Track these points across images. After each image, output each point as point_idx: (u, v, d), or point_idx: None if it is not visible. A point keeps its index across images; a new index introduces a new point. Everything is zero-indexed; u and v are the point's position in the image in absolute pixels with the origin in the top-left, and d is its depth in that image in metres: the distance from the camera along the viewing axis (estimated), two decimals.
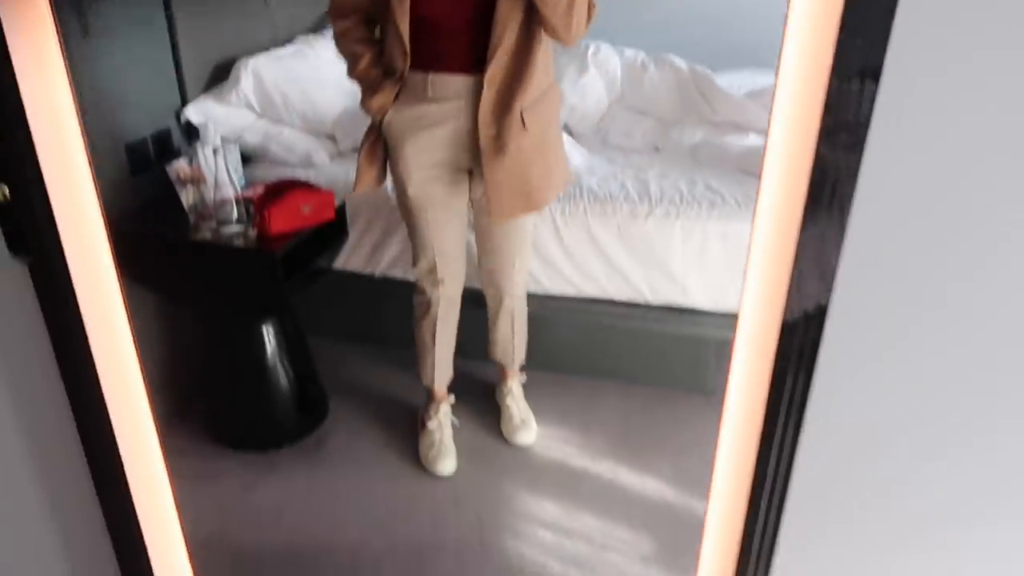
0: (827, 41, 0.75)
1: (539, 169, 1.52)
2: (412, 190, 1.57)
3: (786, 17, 0.84)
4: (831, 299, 0.97)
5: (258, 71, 2.07)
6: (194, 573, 1.09)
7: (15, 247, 0.78)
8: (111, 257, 0.79)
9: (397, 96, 1.49)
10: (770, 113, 0.91)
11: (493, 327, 1.87)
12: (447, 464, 1.82)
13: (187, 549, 1.08)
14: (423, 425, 1.87)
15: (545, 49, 1.46)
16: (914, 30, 0.81)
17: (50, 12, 0.78)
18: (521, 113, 1.45)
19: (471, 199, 1.66)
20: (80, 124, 0.74)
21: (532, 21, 1.40)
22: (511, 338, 1.87)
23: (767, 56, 3.11)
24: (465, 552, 1.73)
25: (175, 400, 1.96)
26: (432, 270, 1.68)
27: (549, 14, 1.34)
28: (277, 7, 2.33)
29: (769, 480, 1.18)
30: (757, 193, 0.84)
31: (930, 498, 1.27)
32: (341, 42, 1.51)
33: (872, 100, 0.81)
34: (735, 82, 2.37)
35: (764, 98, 2.30)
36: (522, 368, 1.97)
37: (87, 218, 0.77)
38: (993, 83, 0.86)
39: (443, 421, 1.86)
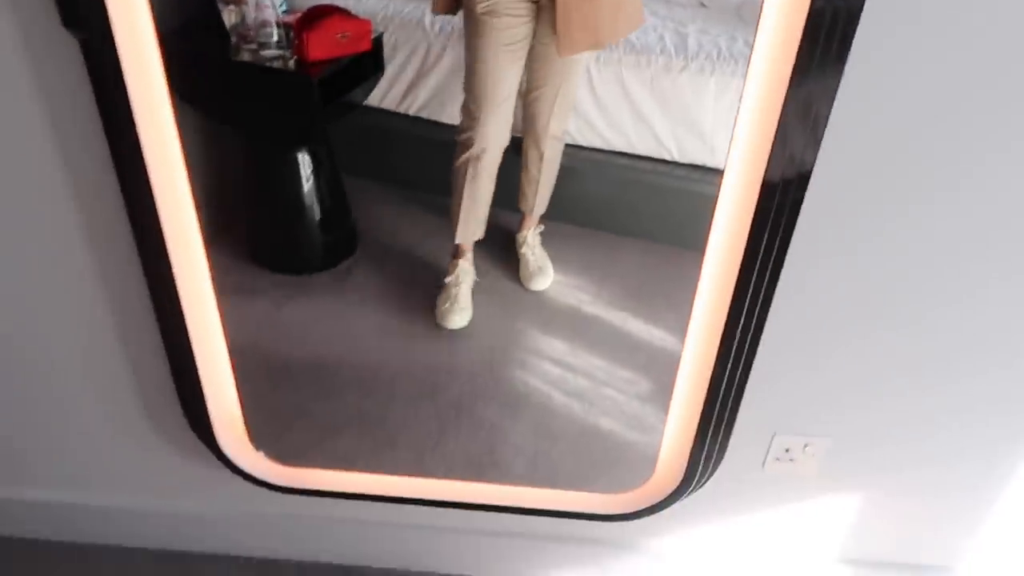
0: None
1: (610, 4, 1.54)
2: (478, 9, 1.55)
3: None
4: (817, 155, 1.00)
5: None
6: (233, 374, 1.22)
7: (69, 20, 0.84)
8: (157, 45, 0.85)
9: None
10: None
11: (524, 171, 1.90)
12: (458, 319, 1.87)
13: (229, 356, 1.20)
14: (443, 281, 1.93)
15: None
16: None
17: None
18: None
19: (536, 40, 1.65)
20: None
21: None
22: (537, 183, 1.91)
23: None
24: (476, 378, 1.88)
25: (220, 217, 2.07)
26: (479, 101, 1.68)
27: None
28: None
29: (740, 329, 1.26)
30: (753, 37, 0.86)
31: (894, 357, 1.36)
32: None
33: None
34: None
35: None
36: (541, 220, 2.02)
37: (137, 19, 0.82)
38: None
39: (461, 276, 1.91)
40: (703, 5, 2.26)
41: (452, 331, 1.88)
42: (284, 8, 1.88)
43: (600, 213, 2.22)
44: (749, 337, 1.25)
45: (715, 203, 2.09)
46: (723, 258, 1.16)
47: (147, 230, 1.02)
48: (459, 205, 1.82)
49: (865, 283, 1.26)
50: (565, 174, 2.02)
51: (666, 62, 1.88)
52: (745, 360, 1.30)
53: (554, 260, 2.08)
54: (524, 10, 1.57)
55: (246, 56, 1.73)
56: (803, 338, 1.34)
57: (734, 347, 1.24)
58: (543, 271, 2.01)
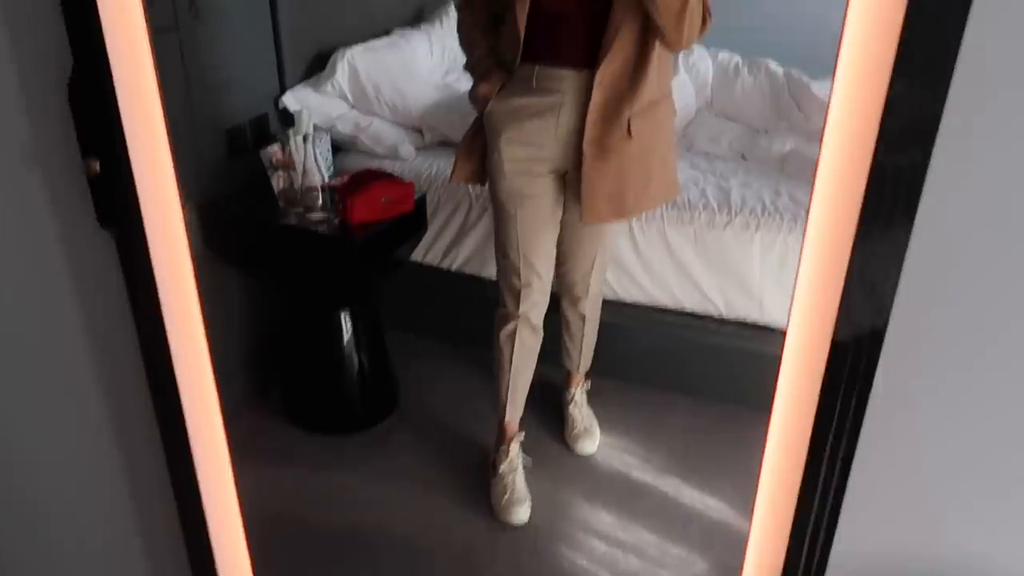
0: (890, 37, 0.72)
1: (638, 177, 1.49)
2: (505, 182, 1.53)
3: (844, 15, 0.80)
4: (889, 319, 0.92)
5: (353, 63, 2.14)
6: (249, 551, 1.15)
7: (104, 219, 0.84)
8: (186, 239, 0.84)
9: (503, 87, 1.48)
10: (826, 113, 0.88)
11: (566, 330, 1.85)
12: (521, 512, 1.71)
13: (244, 531, 1.13)
14: (494, 468, 1.77)
15: (662, 57, 1.42)
16: (990, 24, 0.76)
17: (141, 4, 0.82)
18: (629, 120, 1.42)
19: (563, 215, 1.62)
20: (163, 108, 0.79)
21: (648, 24, 1.35)
22: (580, 343, 1.85)
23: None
24: (518, 555, 1.74)
25: (257, 379, 2.05)
26: (516, 273, 1.61)
27: (658, 15, 1.29)
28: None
29: (815, 507, 1.14)
30: (810, 197, 0.81)
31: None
32: (462, 32, 1.53)
33: (942, 99, 0.76)
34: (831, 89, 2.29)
35: None
36: (588, 375, 1.95)
37: (168, 198, 0.82)
38: None
39: (515, 462, 1.76)
40: (744, 158, 2.28)
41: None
42: (332, 172, 1.93)
43: (645, 370, 2.14)
44: (827, 514, 1.12)
45: (769, 362, 2.00)
46: (790, 426, 1.06)
47: (170, 415, 0.98)
48: (503, 382, 1.71)
49: (957, 458, 1.13)
50: (608, 330, 1.97)
51: (709, 217, 1.86)
52: (823, 544, 1.16)
53: (600, 419, 1.99)
54: (548, 183, 1.55)
55: (292, 220, 1.76)
56: (885, 521, 1.21)
57: (809, 528, 1.11)
58: (590, 432, 1.91)
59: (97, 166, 0.78)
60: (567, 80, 1.42)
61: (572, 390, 1.93)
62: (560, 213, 1.60)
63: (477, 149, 1.57)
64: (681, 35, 1.31)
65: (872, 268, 0.90)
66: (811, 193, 0.95)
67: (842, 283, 0.88)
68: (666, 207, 1.90)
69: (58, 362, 1.10)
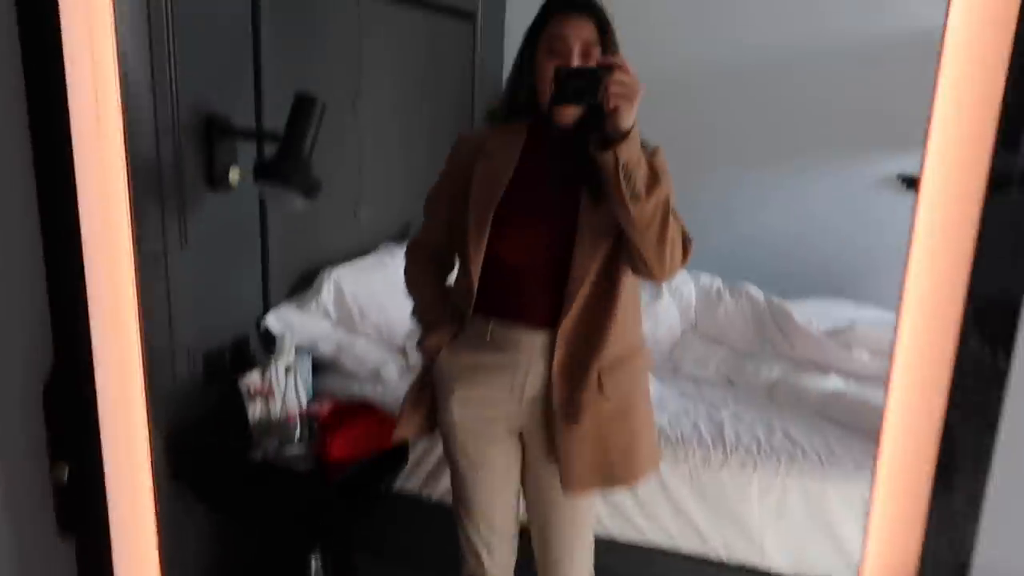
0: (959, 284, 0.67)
1: (620, 441, 1.33)
2: (457, 446, 1.40)
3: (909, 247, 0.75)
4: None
5: (339, 282, 2.12)
6: None
7: (66, 527, 0.75)
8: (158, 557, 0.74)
9: (455, 338, 1.36)
10: (889, 373, 0.81)
11: None
12: None
13: None
14: None
15: (630, 306, 1.32)
16: None
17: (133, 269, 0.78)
18: (599, 375, 1.29)
19: (527, 474, 1.43)
20: (148, 417, 0.72)
21: (616, 262, 1.26)
22: None
23: (846, 286, 3.04)
24: None
25: None
26: (477, 533, 1.45)
27: (639, 242, 1.18)
28: (364, 217, 2.43)
29: None
30: (875, 459, 0.74)
31: None
32: (408, 279, 1.47)
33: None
34: (811, 314, 2.32)
35: (844, 336, 2.23)
36: None
37: (140, 512, 0.73)
38: None
39: None
40: (731, 383, 2.25)
41: None
42: (311, 395, 1.85)
43: None
44: None
45: None
46: None
47: None
48: None
49: None
50: (602, 571, 1.83)
51: (704, 455, 1.79)
52: None
53: None
54: (507, 447, 1.39)
55: (267, 453, 1.65)
56: None
57: None
58: None
59: (66, 473, 0.70)
60: (527, 339, 1.30)
61: None
62: (517, 471, 1.43)
63: (425, 402, 1.43)
64: (663, 264, 1.21)
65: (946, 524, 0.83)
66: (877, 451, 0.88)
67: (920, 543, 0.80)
68: (661, 442, 1.83)
69: None
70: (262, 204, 1.93)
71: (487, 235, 1.27)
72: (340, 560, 1.77)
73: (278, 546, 1.75)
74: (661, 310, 2.36)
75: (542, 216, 1.29)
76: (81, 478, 0.71)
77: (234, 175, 1.79)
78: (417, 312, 1.47)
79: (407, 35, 2.57)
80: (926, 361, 0.72)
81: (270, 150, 1.74)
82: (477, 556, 1.47)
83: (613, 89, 1.12)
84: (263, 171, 1.65)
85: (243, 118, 1.83)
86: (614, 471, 1.33)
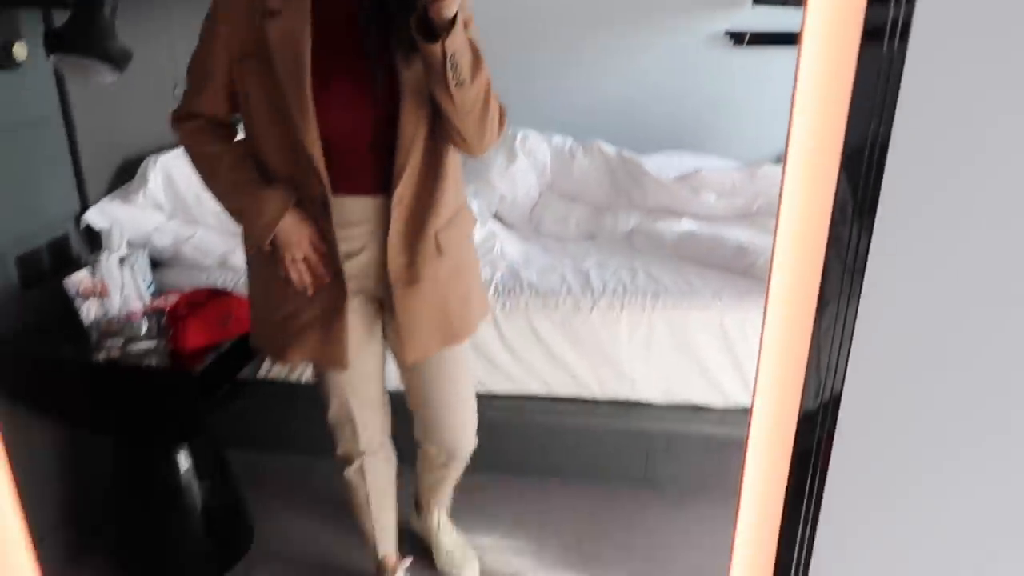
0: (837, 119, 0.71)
1: (457, 296, 1.33)
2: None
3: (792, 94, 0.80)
4: (843, 390, 0.93)
5: (167, 169, 1.92)
6: None
7: None
8: None
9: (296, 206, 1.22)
10: (779, 199, 0.87)
11: (426, 475, 1.61)
12: None
13: None
14: None
15: (455, 165, 1.29)
16: (921, 98, 0.78)
17: None
18: (436, 236, 1.26)
19: (386, 338, 1.40)
20: None
21: (438, 135, 1.22)
22: (441, 486, 1.63)
23: (687, 138, 3.13)
24: None
25: (82, 533, 1.72)
26: (345, 415, 1.41)
27: (458, 120, 1.16)
28: None
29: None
30: (767, 284, 0.79)
31: None
32: (192, 147, 1.26)
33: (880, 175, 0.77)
34: (661, 164, 2.37)
35: (691, 181, 2.30)
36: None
37: None
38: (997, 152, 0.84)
39: None
40: (593, 237, 2.29)
41: None
42: (152, 289, 1.69)
43: (523, 460, 2.03)
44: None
45: (644, 438, 1.97)
46: (759, 503, 1.01)
47: None
48: (364, 521, 1.53)
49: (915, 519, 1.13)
50: (482, 424, 1.86)
51: (574, 302, 1.82)
52: None
53: (483, 519, 1.85)
54: (356, 305, 1.30)
55: (111, 353, 1.50)
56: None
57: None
58: (467, 558, 1.71)
59: None
60: (365, 208, 1.23)
61: (435, 514, 1.70)
62: (378, 340, 1.39)
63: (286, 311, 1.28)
64: (483, 139, 1.20)
65: (827, 342, 0.91)
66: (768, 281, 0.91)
67: (805, 360, 0.88)
68: (530, 295, 1.84)
69: None
70: (60, 83, 1.68)
71: (312, 111, 1.13)
72: (210, 455, 1.68)
73: (141, 451, 1.62)
74: (517, 173, 2.33)
75: (358, 81, 1.17)
76: None
77: (20, 50, 1.54)
78: (217, 175, 1.25)
79: None
80: (807, 201, 0.76)
81: (61, 19, 1.50)
82: (351, 431, 1.43)
83: None
84: (56, 41, 1.42)
85: None
86: (453, 328, 1.33)
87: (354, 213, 1.23)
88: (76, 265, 1.61)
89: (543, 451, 2.01)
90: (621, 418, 1.91)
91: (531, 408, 1.91)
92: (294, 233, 1.21)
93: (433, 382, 1.41)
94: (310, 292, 1.25)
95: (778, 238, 0.76)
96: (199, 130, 1.24)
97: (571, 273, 1.93)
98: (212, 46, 1.19)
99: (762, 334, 0.91)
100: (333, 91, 1.15)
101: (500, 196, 2.28)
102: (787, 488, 1.01)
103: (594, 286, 1.86)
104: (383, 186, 1.21)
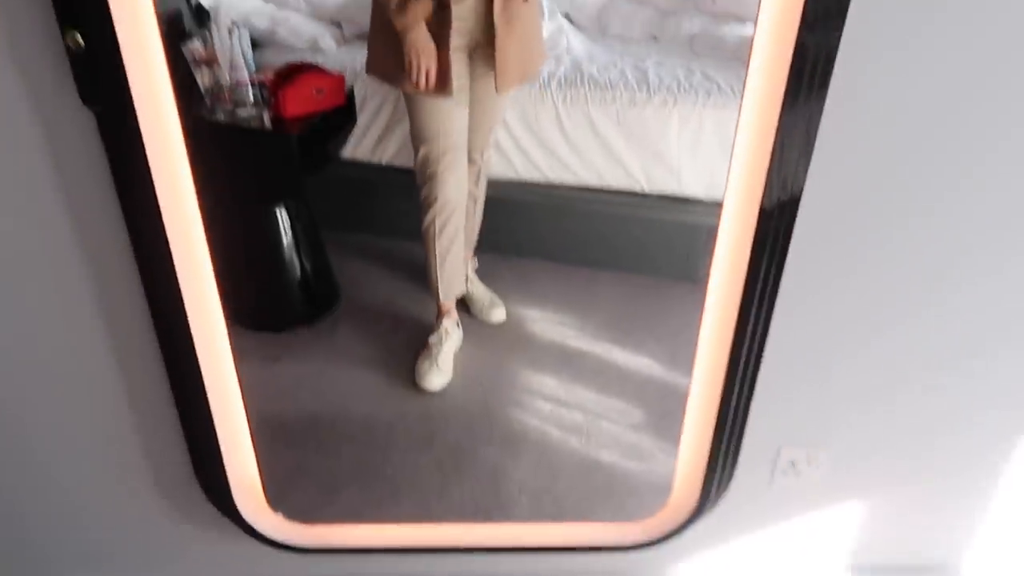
0: None
1: (535, 37, 1.67)
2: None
3: None
4: (806, 181, 1.07)
5: None
6: (251, 437, 1.20)
7: (87, 95, 0.84)
8: (178, 116, 0.86)
9: None
10: (758, 4, 0.98)
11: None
12: (436, 381, 1.85)
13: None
14: (427, 343, 1.90)
15: None
16: None
17: None
18: None
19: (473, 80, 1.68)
20: None
21: None
22: (473, 214, 1.92)
23: None
24: (472, 420, 1.87)
25: None
26: (434, 155, 1.69)
27: None
28: None
29: (744, 355, 1.31)
30: (744, 83, 0.92)
31: (890, 368, 1.41)
32: None
33: None
34: None
35: None
36: (474, 253, 2.04)
37: (155, 71, 0.83)
38: None
39: (444, 337, 1.89)
40: (655, 39, 2.36)
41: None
42: (254, 68, 1.89)
43: (575, 248, 2.26)
44: (753, 357, 1.29)
45: (687, 230, 2.16)
46: (724, 285, 1.20)
47: (167, 302, 1.01)
48: (434, 264, 1.82)
49: (858, 299, 1.31)
50: (541, 212, 2.06)
51: (630, 96, 1.96)
52: (750, 380, 1.33)
53: (535, 298, 2.11)
54: (460, 56, 1.59)
55: (221, 116, 1.73)
56: (802, 356, 1.39)
57: (739, 369, 1.28)
58: (495, 302, 2.02)
59: (79, 39, 0.78)
60: None
61: (466, 270, 1.99)
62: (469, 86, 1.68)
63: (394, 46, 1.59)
64: None
65: (793, 137, 1.03)
66: (745, 76, 1.06)
67: (769, 154, 1.01)
68: (589, 88, 1.98)
69: (41, 256, 1.09)
70: None
71: None
72: (304, 217, 1.94)
73: (243, 207, 1.89)
74: None
75: None
76: (95, 46, 0.79)
77: None
78: None
79: None
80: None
81: None
82: (431, 174, 1.70)
83: None
84: None
85: None
86: (528, 66, 1.66)
87: None
88: (189, 37, 1.80)
89: (595, 241, 2.22)
90: (666, 211, 2.09)
91: (586, 198, 2.10)
92: (421, 43, 1.53)
93: (490, 111, 1.75)
94: (420, 86, 1.57)
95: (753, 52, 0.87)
96: None
97: (630, 69, 2.05)
98: None
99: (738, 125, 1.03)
100: None
101: None
102: (745, 278, 1.16)
103: (651, 82, 1.98)
104: None
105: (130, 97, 0.83)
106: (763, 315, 1.26)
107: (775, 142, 0.99)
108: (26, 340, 1.20)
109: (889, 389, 1.43)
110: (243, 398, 1.19)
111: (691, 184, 2.03)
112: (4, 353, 1.21)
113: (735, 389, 1.34)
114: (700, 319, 1.43)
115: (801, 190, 1.11)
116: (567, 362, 1.98)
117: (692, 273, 2.24)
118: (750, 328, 1.26)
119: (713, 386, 1.36)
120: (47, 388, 1.28)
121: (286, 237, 1.91)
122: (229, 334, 1.11)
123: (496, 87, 1.60)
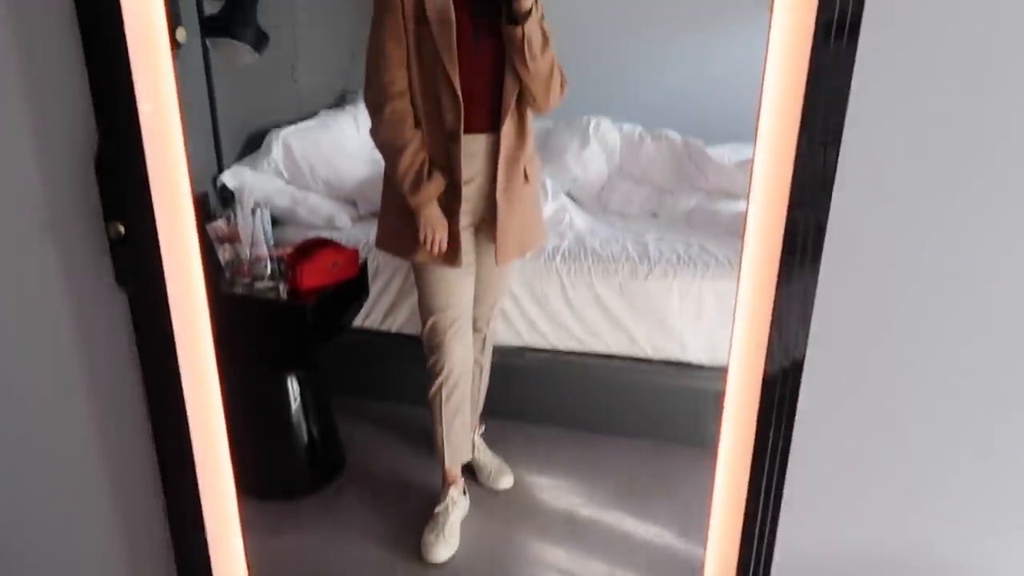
0: (793, 117, 0.91)
1: (534, 217, 1.76)
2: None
3: (759, 99, 0.99)
4: (807, 351, 1.09)
5: (288, 142, 2.24)
6: None
7: (123, 279, 0.91)
8: (206, 302, 0.92)
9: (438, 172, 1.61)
10: (750, 183, 1.05)
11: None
12: (443, 552, 1.82)
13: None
14: (433, 511, 1.89)
15: (531, 120, 1.68)
16: (869, 99, 0.95)
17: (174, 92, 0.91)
18: (524, 168, 1.67)
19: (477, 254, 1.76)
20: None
21: (522, 94, 1.62)
22: (477, 392, 1.96)
23: (752, 131, 3.29)
24: None
25: None
26: (440, 325, 1.74)
27: (532, 85, 1.56)
28: (303, 82, 2.52)
29: (757, 528, 1.28)
30: (740, 257, 0.97)
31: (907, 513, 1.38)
32: (392, 128, 1.57)
33: (835, 162, 0.95)
34: (725, 153, 2.57)
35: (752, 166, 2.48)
36: (481, 420, 2.06)
37: (189, 254, 0.90)
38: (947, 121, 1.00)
39: (451, 506, 1.87)
40: (654, 215, 2.51)
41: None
42: (272, 244, 2.01)
43: (582, 413, 2.27)
44: (767, 530, 1.26)
45: (692, 394, 2.18)
46: (733, 456, 1.20)
47: (182, 477, 1.03)
48: (440, 431, 1.83)
49: (870, 459, 1.30)
50: (546, 378, 2.10)
51: (632, 268, 2.05)
52: (766, 553, 1.30)
53: (544, 465, 2.09)
54: (468, 229, 1.67)
55: (239, 289, 1.82)
56: (819, 523, 1.36)
57: (754, 543, 1.25)
58: (501, 469, 2.02)
59: (122, 228, 0.86)
60: (484, 142, 1.61)
61: (472, 437, 2.00)
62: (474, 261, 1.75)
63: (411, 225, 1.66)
64: (548, 101, 1.60)
65: (791, 306, 1.08)
66: (741, 249, 1.12)
67: (769, 323, 1.05)
68: (592, 261, 2.07)
69: (62, 415, 1.11)
70: (207, 64, 2.01)
71: (457, 62, 1.53)
72: (313, 385, 1.98)
73: (259, 376, 1.94)
74: (589, 156, 2.57)
75: (480, 51, 1.57)
76: (135, 233, 0.86)
77: (181, 34, 1.87)
78: (401, 167, 1.58)
79: None
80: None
81: (210, 8, 1.82)
82: (437, 344, 1.75)
83: None
84: (213, 26, 1.74)
85: None
86: (526, 241, 1.74)
87: (474, 145, 1.61)
88: (212, 217, 1.94)
89: (602, 406, 2.24)
90: (671, 377, 2.12)
91: (592, 365, 2.15)
92: (435, 219, 1.62)
93: (493, 282, 1.83)
94: (434, 254, 1.65)
95: (748, 223, 0.95)
96: (403, 111, 1.57)
97: (631, 244, 2.16)
98: (388, 30, 1.54)
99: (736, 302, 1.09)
100: (464, 51, 1.54)
101: (573, 177, 2.52)
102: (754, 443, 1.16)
103: (651, 255, 2.08)
104: (493, 126, 1.61)
105: (163, 280, 0.89)
106: (775, 484, 1.25)
107: (774, 311, 1.03)
108: (37, 506, 1.20)
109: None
110: (248, 572, 1.17)
111: (695, 351, 2.08)
112: (17, 521, 1.20)
113: (751, 564, 1.30)
114: (710, 486, 1.41)
115: (803, 356, 1.13)
116: (577, 532, 1.93)
117: (699, 438, 2.23)
118: (762, 499, 1.25)
119: (728, 557, 1.32)
120: (55, 558, 1.27)
121: (295, 404, 1.94)
122: (240, 509, 1.12)
123: (496, 259, 1.69)
